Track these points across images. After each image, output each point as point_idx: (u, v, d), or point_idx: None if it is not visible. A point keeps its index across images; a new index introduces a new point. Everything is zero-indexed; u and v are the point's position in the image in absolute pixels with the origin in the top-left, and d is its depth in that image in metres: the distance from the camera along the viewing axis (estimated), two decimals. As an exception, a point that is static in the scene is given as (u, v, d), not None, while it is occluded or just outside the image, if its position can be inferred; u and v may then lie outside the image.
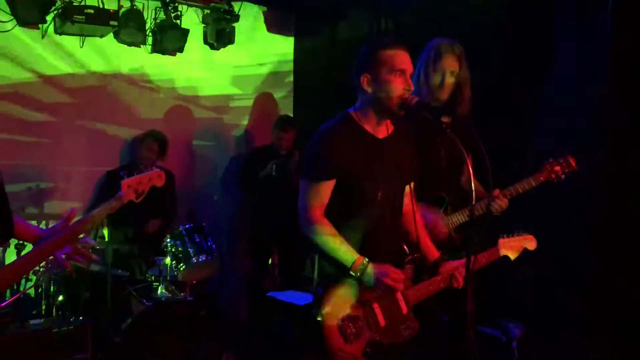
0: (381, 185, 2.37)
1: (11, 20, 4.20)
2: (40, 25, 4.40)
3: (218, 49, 5.20)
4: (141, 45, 4.82)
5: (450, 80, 2.85)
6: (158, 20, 4.82)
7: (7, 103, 4.39)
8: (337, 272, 2.32)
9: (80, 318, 3.48)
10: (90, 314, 3.58)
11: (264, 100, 5.68)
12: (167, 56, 4.93)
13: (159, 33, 4.76)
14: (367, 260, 2.29)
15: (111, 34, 4.64)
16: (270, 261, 5.19)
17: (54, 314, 3.71)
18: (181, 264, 3.98)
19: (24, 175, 4.45)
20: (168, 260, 3.93)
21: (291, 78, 5.84)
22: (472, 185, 2.11)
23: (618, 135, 3.59)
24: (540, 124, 3.90)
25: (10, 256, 4.06)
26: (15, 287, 3.82)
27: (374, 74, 2.32)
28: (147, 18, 4.75)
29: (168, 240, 4.01)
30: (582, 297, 3.64)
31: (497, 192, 2.85)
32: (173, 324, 3.63)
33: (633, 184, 3.58)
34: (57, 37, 4.52)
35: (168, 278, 3.91)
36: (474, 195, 2.09)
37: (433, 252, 2.56)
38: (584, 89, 3.68)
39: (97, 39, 4.63)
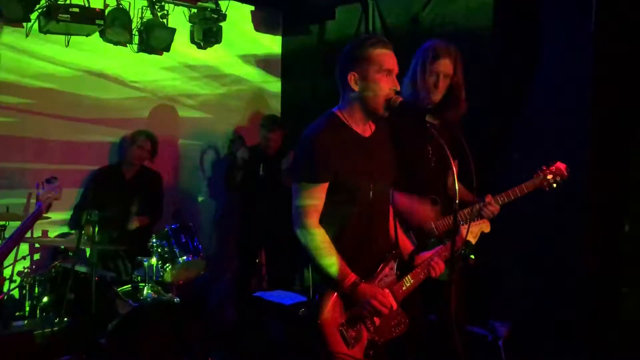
0: (372, 184, 2.38)
1: (-5, 18, 4.16)
2: (24, 24, 4.36)
3: (205, 49, 5.18)
4: (127, 45, 4.79)
5: (444, 82, 2.86)
6: (144, 19, 4.79)
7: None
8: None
9: (65, 319, 3.45)
10: (75, 315, 3.55)
11: (251, 100, 5.67)
12: (153, 55, 4.90)
13: (145, 32, 4.73)
14: (358, 280, 2.29)
15: (97, 33, 4.61)
16: (257, 261, 5.18)
17: (38, 315, 3.68)
18: (167, 264, 3.96)
19: (7, 175, 4.40)
20: (154, 260, 3.91)
21: (279, 77, 5.83)
22: (456, 187, 2.12)
23: (605, 136, 3.62)
24: (526, 125, 3.93)
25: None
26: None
27: (362, 72, 2.32)
28: (134, 17, 4.72)
29: (154, 240, 3.99)
30: (571, 297, 3.66)
31: (489, 197, 2.87)
32: (159, 325, 3.61)
33: (621, 183, 3.61)
34: (42, 36, 4.47)
35: (154, 278, 3.89)
36: (457, 198, 2.10)
37: (408, 246, 2.59)
38: (569, 90, 3.70)
39: (83, 37, 4.59)
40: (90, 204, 4.01)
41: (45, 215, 3.14)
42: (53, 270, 3.79)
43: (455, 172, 2.15)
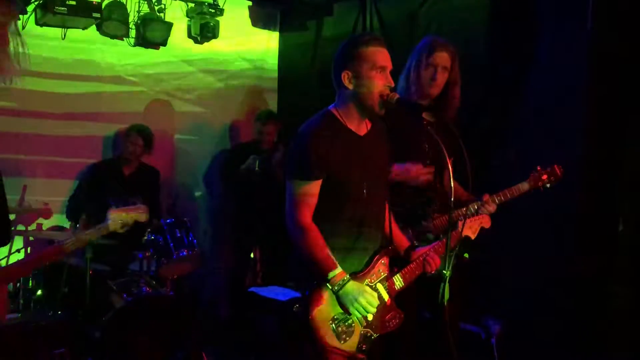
0: (366, 182, 2.39)
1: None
2: (20, 16, 4.34)
3: (202, 43, 5.17)
4: (124, 38, 4.78)
5: (442, 76, 2.86)
6: (141, 13, 4.77)
7: (-15, 94, 4.34)
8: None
9: (59, 313, 3.45)
10: (69, 308, 3.55)
11: (248, 96, 5.66)
12: (150, 49, 4.89)
13: (142, 26, 4.72)
14: (347, 277, 2.29)
15: (94, 26, 4.59)
16: (252, 256, 5.18)
17: (32, 308, 3.68)
18: (162, 259, 3.95)
19: (3, 168, 4.38)
20: (149, 254, 3.91)
21: (276, 73, 5.82)
22: (452, 185, 2.12)
23: (599, 136, 3.63)
24: (521, 124, 3.94)
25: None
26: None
27: (355, 70, 2.32)
28: (131, 11, 4.71)
29: (149, 234, 3.99)
30: (564, 295, 3.68)
31: (486, 197, 2.88)
32: (153, 319, 3.61)
33: (615, 182, 3.63)
34: (38, 28, 4.46)
35: (149, 273, 3.89)
36: (452, 196, 2.11)
37: (404, 242, 2.60)
38: (564, 90, 3.71)
39: (79, 30, 4.58)
40: (87, 198, 4.00)
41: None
42: (47, 263, 3.78)
43: (451, 170, 2.16)
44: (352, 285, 2.29)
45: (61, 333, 3.35)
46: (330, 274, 2.28)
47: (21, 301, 3.72)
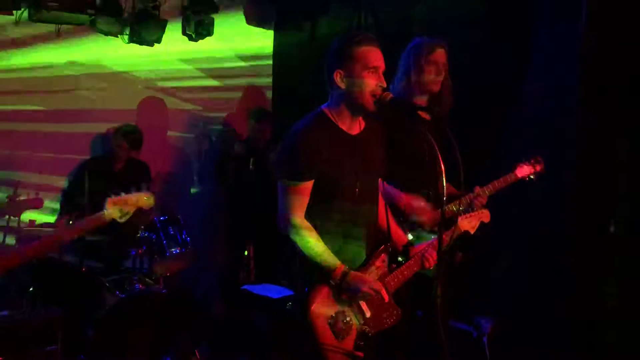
0: (358, 182, 2.39)
1: (-16, 5, 4.12)
2: (14, 12, 4.32)
3: (197, 41, 5.16)
4: (118, 35, 4.76)
5: (442, 73, 2.92)
6: (136, 10, 4.76)
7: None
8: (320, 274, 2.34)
9: (51, 309, 3.44)
10: (62, 305, 3.54)
11: (242, 93, 5.66)
12: (144, 46, 4.88)
13: (136, 23, 4.71)
14: (347, 268, 2.31)
15: (88, 23, 4.57)
16: (245, 254, 5.18)
17: (24, 305, 3.66)
18: (155, 256, 3.95)
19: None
20: (142, 252, 3.90)
21: (270, 71, 5.82)
22: (444, 183, 2.14)
23: (592, 136, 3.65)
24: (514, 124, 3.96)
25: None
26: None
27: (347, 70, 2.33)
28: (125, 8, 4.70)
29: (142, 231, 3.98)
30: (555, 295, 3.70)
31: (477, 189, 2.95)
32: (146, 316, 3.61)
33: (607, 183, 3.65)
34: (32, 24, 4.44)
35: (142, 270, 3.88)
36: (445, 193, 2.12)
37: (402, 238, 2.61)
38: (558, 90, 3.74)
39: (73, 27, 4.56)
40: (80, 193, 3.99)
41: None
42: (44, 253, 3.76)
43: (442, 167, 2.17)
44: (354, 275, 2.31)
45: (53, 330, 3.35)
46: (331, 268, 2.29)
47: (13, 298, 3.71)
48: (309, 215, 2.35)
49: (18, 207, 3.97)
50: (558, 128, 3.68)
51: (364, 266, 2.43)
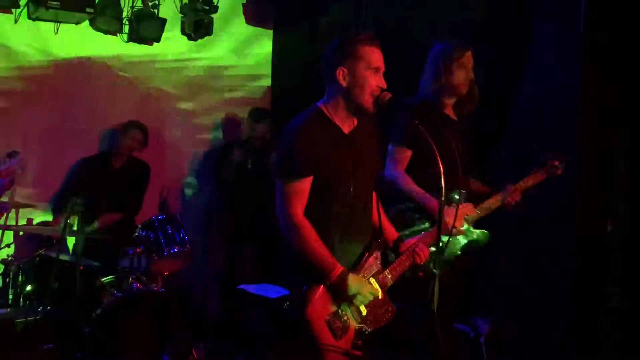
0: (352, 180, 2.40)
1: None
2: (13, 10, 4.32)
3: (196, 40, 5.15)
4: (117, 34, 4.76)
5: (471, 75, 3.05)
6: (135, 9, 4.76)
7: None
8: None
9: (48, 308, 3.43)
10: (58, 304, 3.54)
11: (241, 94, 5.65)
12: (143, 45, 4.88)
13: (135, 22, 4.71)
14: (346, 270, 2.31)
15: (87, 21, 4.57)
16: (242, 254, 5.18)
17: (21, 303, 3.66)
18: (153, 255, 3.95)
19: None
20: (140, 251, 3.90)
21: (270, 71, 5.81)
22: (443, 182, 2.14)
23: (591, 136, 3.66)
24: (516, 124, 3.96)
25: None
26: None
27: (350, 68, 2.33)
28: (124, 6, 4.70)
29: (140, 230, 3.98)
30: (554, 295, 3.70)
31: (511, 186, 3.05)
32: (143, 315, 3.60)
33: (608, 182, 3.66)
34: (31, 23, 4.44)
35: (139, 269, 3.88)
36: (443, 191, 2.12)
37: (393, 234, 2.62)
38: (558, 90, 3.73)
39: (73, 25, 4.56)
40: (77, 191, 3.98)
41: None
42: (37, 258, 3.77)
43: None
44: (352, 278, 2.31)
45: (50, 329, 3.35)
46: (329, 269, 2.29)
47: (10, 296, 3.71)
48: (306, 214, 2.34)
49: (15, 206, 3.98)
50: (556, 129, 3.68)
51: (358, 263, 2.43)
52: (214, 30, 5.11)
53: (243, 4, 5.56)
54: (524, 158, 3.58)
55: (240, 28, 5.56)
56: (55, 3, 4.17)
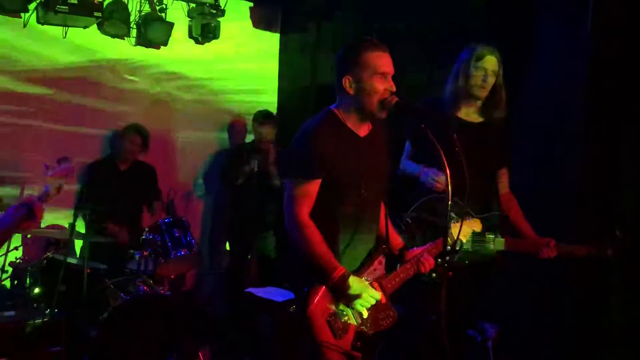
0: (363, 183, 2.40)
1: (-8, 8, 4.15)
2: (22, 14, 4.35)
3: (203, 44, 5.18)
4: (125, 38, 4.79)
5: (491, 79, 2.99)
6: (143, 13, 4.78)
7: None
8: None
9: (56, 311, 3.45)
10: (66, 306, 3.55)
11: (248, 97, 5.66)
12: (151, 49, 4.90)
13: (143, 25, 4.73)
14: (347, 272, 2.31)
15: (95, 25, 4.60)
16: (249, 257, 5.18)
17: (29, 306, 3.67)
18: (160, 258, 3.95)
19: (1, 166, 4.40)
20: (147, 254, 3.91)
21: (276, 74, 5.83)
22: (449, 190, 2.14)
23: (599, 137, 3.64)
24: (521, 124, 3.94)
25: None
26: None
27: (356, 76, 2.33)
28: (132, 10, 4.72)
29: (147, 233, 3.99)
30: (560, 300, 3.68)
31: (553, 242, 2.99)
32: (150, 318, 3.61)
33: (612, 185, 3.64)
34: (40, 27, 4.47)
35: (146, 272, 3.89)
36: (450, 195, 2.12)
37: (398, 242, 2.62)
38: (564, 90, 3.73)
39: (81, 29, 4.59)
40: (86, 196, 4.00)
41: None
42: (45, 261, 3.79)
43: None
44: (353, 280, 2.31)
45: (58, 331, 3.36)
46: (331, 270, 2.29)
47: (18, 299, 3.72)
48: (313, 216, 2.35)
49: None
50: (562, 131, 3.67)
51: (362, 267, 2.44)
52: (220, 34, 5.13)
53: (250, 8, 5.59)
54: (528, 160, 3.56)
55: (247, 31, 5.58)
56: (64, 7, 4.20)
